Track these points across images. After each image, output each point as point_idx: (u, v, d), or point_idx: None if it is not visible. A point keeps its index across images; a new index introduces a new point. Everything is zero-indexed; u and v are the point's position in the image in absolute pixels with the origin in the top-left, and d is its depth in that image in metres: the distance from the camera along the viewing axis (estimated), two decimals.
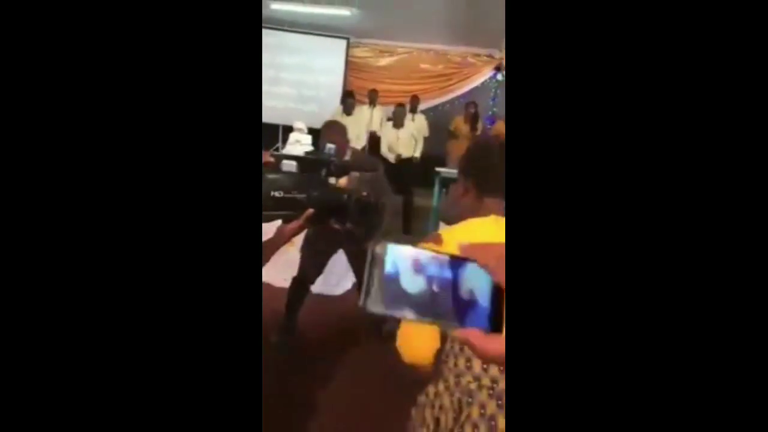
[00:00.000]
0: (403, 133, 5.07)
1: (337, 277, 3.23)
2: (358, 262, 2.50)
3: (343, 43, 6.84)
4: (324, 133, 2.24)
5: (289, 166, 1.30)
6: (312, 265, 2.49)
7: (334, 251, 2.50)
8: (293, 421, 1.97)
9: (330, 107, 6.01)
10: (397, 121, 5.11)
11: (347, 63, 6.88)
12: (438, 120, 6.27)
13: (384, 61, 7.07)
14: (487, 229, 1.03)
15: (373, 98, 5.95)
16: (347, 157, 2.26)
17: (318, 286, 2.95)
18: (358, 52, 7.02)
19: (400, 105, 5.30)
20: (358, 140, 5.33)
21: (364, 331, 2.69)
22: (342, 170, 1.44)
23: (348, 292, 3.22)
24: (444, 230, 1.04)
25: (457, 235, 1.02)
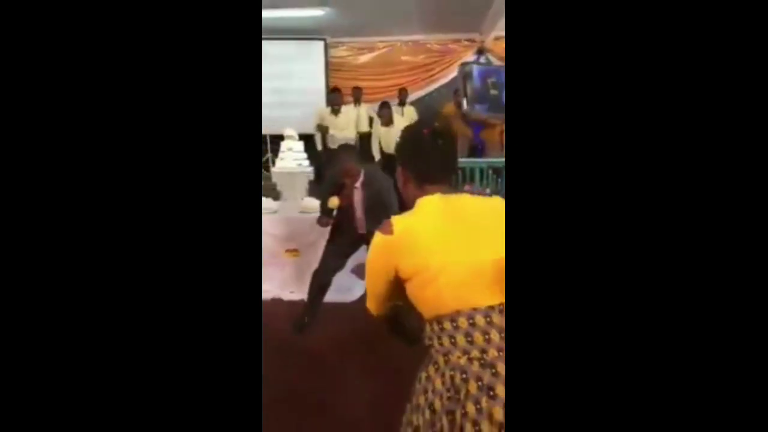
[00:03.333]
0: (394, 130, 4.96)
1: (349, 282, 3.13)
2: None
3: (320, 44, 6.72)
4: (338, 158, 2.54)
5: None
6: (334, 256, 2.66)
7: (355, 249, 2.70)
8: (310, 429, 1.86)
9: (315, 111, 5.89)
10: (386, 120, 4.99)
11: (327, 64, 6.76)
12: (428, 110, 6.15)
13: (364, 58, 6.96)
14: (434, 206, 0.99)
15: (357, 96, 5.84)
16: (359, 183, 2.52)
17: (331, 294, 2.85)
18: (336, 52, 6.90)
19: (385, 104, 5.17)
20: (347, 140, 5.22)
21: (380, 337, 2.58)
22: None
23: (361, 298, 3.12)
24: (395, 218, 1.01)
25: (407, 221, 1.00)
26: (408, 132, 1.09)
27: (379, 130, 5.08)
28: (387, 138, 5.00)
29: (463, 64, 6.03)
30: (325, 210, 2.63)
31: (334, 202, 2.56)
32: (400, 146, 1.08)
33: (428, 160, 1.02)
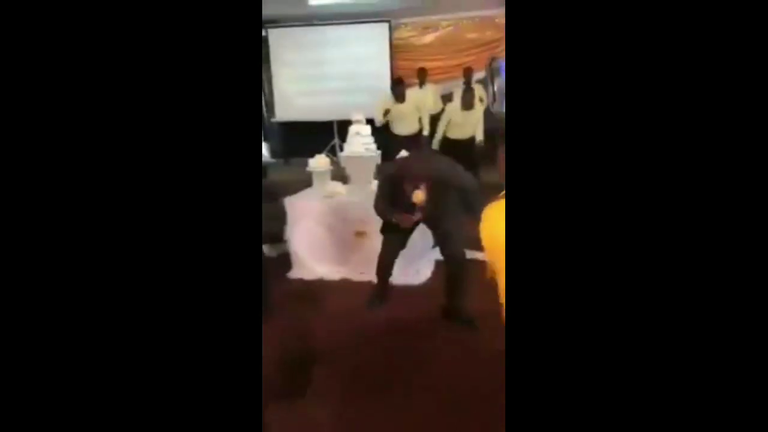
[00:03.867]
0: (470, 115, 4.78)
1: (415, 266, 3.17)
2: (440, 239, 2.71)
3: (384, 26, 6.70)
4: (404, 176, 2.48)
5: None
6: (393, 239, 2.70)
7: (413, 229, 2.72)
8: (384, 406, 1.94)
9: (381, 94, 5.90)
10: (467, 103, 4.80)
11: (392, 46, 6.74)
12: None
13: (429, 38, 6.86)
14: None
15: (422, 78, 5.78)
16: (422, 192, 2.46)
17: (399, 277, 2.91)
18: (401, 33, 6.86)
19: (469, 87, 4.96)
20: (413, 126, 5.15)
21: (447, 321, 2.62)
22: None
23: (428, 280, 3.15)
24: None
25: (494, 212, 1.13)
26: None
27: (453, 113, 4.88)
28: (462, 122, 4.81)
29: (492, 59, 5.71)
30: (407, 208, 2.50)
31: (419, 196, 2.42)
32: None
33: None
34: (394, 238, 2.73)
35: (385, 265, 2.79)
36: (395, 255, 2.77)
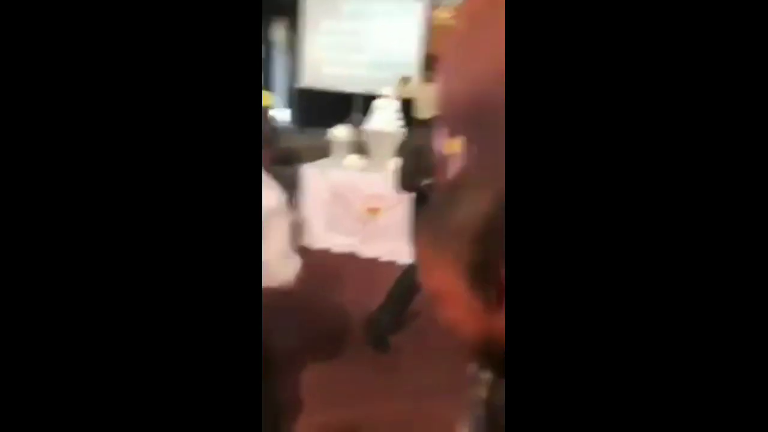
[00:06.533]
0: None
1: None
2: None
3: (420, 5, 6.56)
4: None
5: None
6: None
7: None
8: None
9: (409, 73, 5.79)
10: None
11: (427, 25, 6.61)
12: None
13: None
14: None
15: None
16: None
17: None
18: (438, 13, 6.72)
19: None
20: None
21: None
22: None
23: None
24: None
25: None
26: None
27: None
28: None
29: None
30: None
31: (454, 145, 2.12)
32: None
33: None
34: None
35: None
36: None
